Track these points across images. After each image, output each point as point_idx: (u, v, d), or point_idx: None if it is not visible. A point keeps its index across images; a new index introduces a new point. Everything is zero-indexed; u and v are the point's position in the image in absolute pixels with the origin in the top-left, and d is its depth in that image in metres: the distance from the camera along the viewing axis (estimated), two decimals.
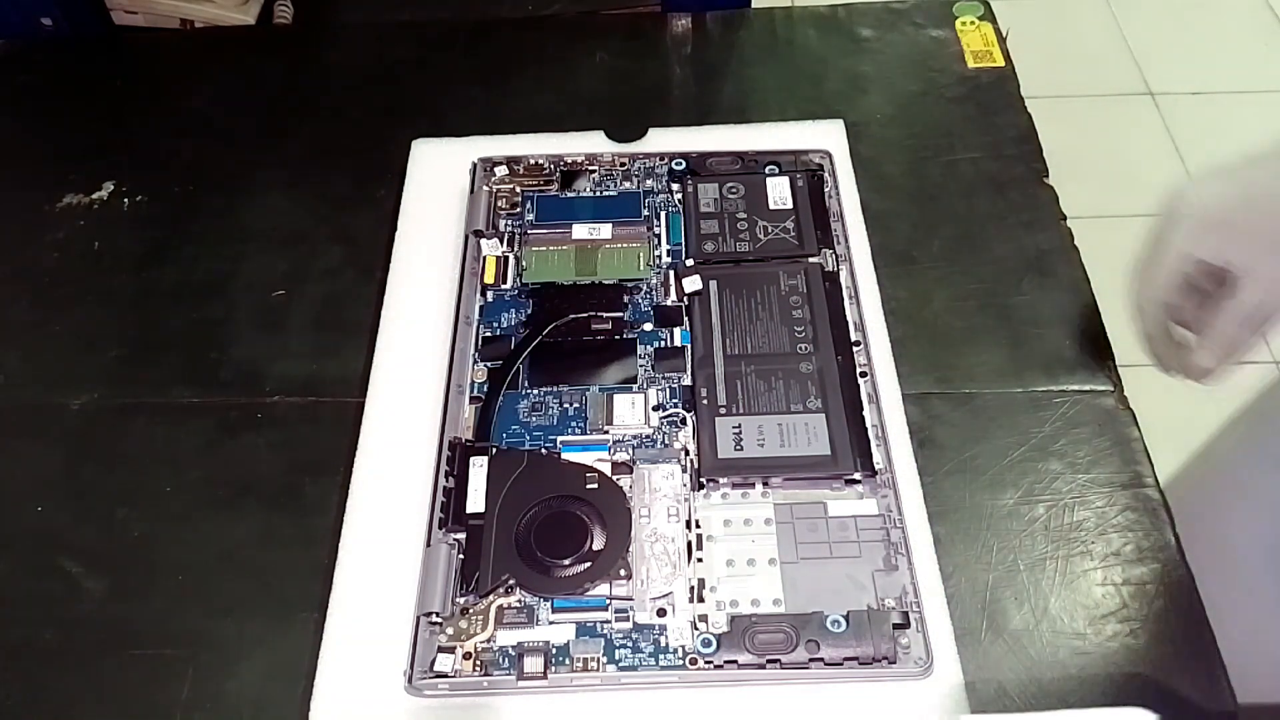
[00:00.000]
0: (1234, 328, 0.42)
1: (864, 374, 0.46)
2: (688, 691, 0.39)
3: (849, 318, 0.48)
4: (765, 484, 0.43)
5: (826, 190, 0.53)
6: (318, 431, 0.48)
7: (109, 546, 0.45)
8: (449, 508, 0.42)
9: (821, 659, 0.38)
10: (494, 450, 0.44)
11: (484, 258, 0.51)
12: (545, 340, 0.48)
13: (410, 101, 0.62)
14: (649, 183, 0.54)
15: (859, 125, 0.58)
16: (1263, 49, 1.49)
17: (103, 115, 0.63)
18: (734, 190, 0.53)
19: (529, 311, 0.49)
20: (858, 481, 0.43)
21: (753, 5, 0.69)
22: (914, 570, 0.40)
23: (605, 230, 0.52)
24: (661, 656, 0.39)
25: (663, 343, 0.48)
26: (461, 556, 0.41)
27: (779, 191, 0.53)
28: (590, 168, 0.55)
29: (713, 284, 0.49)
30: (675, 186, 0.54)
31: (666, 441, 0.44)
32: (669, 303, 0.49)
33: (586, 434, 0.45)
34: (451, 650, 0.39)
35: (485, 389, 0.46)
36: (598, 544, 0.41)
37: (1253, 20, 1.53)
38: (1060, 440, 0.46)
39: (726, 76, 0.63)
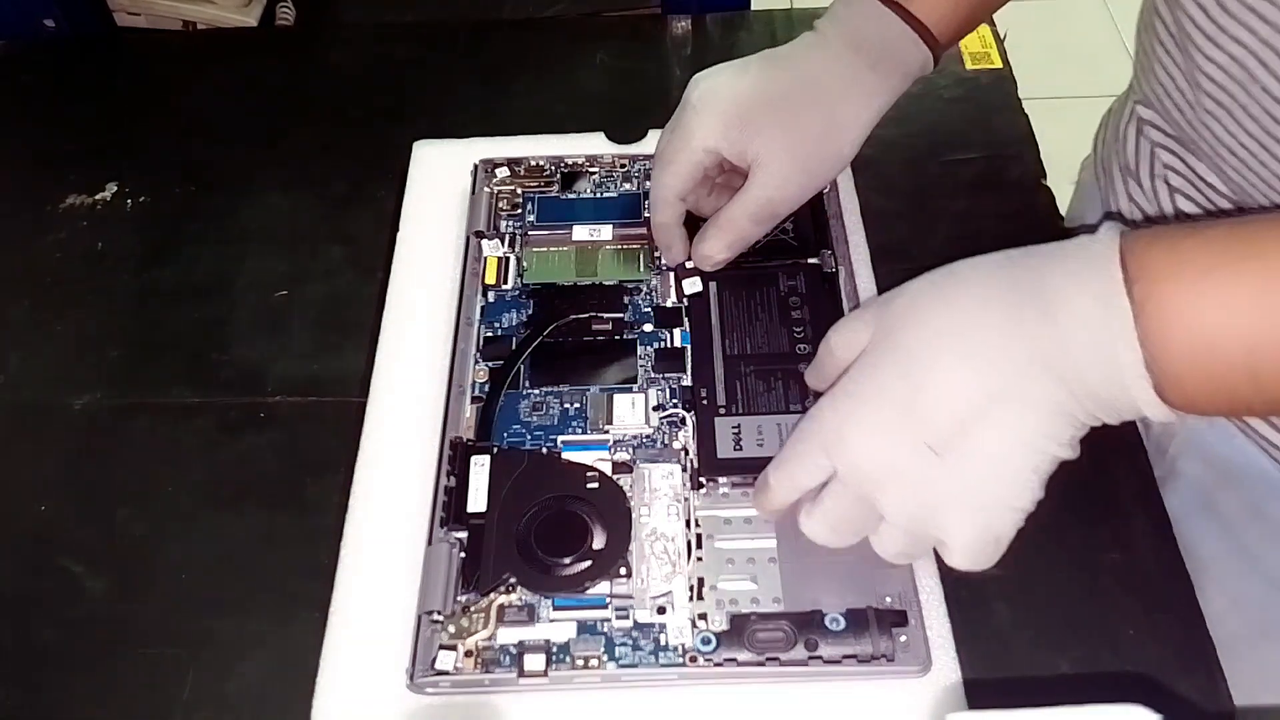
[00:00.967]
0: (744, 220, 0.45)
1: None
2: (687, 689, 0.39)
3: None
4: None
5: (825, 191, 0.53)
6: (319, 431, 0.48)
7: (110, 546, 0.45)
8: (450, 507, 0.42)
9: (820, 657, 0.38)
10: (495, 450, 0.44)
11: (485, 258, 0.51)
12: (546, 340, 0.48)
13: (411, 103, 0.63)
14: (649, 184, 0.54)
15: None
16: None
17: (104, 116, 0.63)
18: None
19: (530, 312, 0.49)
20: None
21: (752, 6, 0.69)
22: (913, 568, 0.40)
23: (605, 231, 0.52)
24: (661, 654, 0.39)
25: (663, 343, 0.48)
26: (463, 555, 0.41)
27: None
28: (591, 169, 0.55)
29: (712, 285, 0.49)
30: None
31: (666, 442, 0.44)
32: (669, 304, 0.49)
33: (587, 434, 0.45)
34: (453, 648, 0.39)
35: (486, 389, 0.46)
36: (598, 543, 0.41)
37: None
38: None
39: None
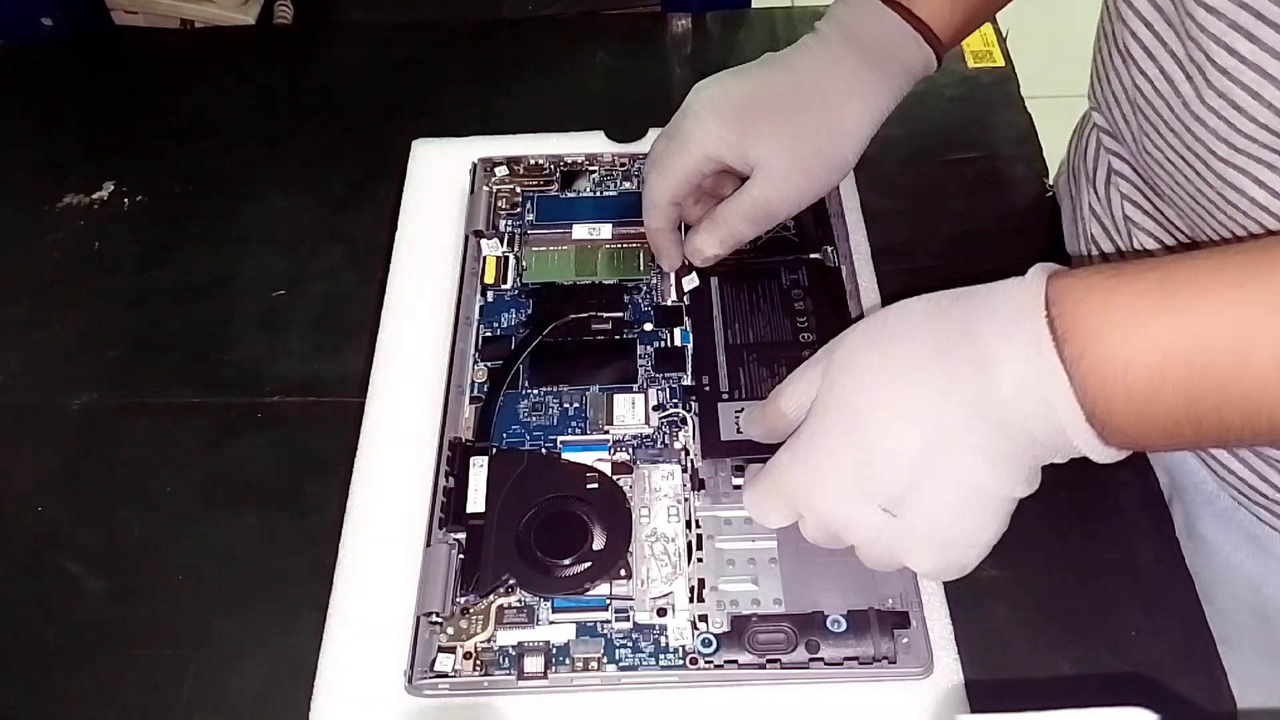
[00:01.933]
0: (739, 218, 0.45)
1: None
2: (688, 691, 0.39)
3: (851, 310, 0.48)
4: None
5: None
6: (318, 431, 0.48)
7: (109, 546, 0.45)
8: (449, 507, 0.42)
9: (821, 659, 0.38)
10: (494, 450, 0.44)
11: (484, 258, 0.51)
12: (545, 340, 0.48)
13: (410, 102, 0.62)
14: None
15: None
16: None
17: (103, 116, 0.63)
18: None
19: (529, 311, 0.49)
20: None
21: (753, 5, 0.69)
22: None
23: (605, 230, 0.52)
24: (662, 656, 0.39)
25: (663, 343, 0.48)
26: (462, 556, 0.41)
27: None
28: (590, 168, 0.55)
29: (713, 279, 0.49)
30: None
31: (666, 442, 0.44)
32: (669, 302, 0.49)
33: (586, 434, 0.45)
34: (452, 650, 0.39)
35: (485, 389, 0.46)
36: (598, 544, 0.41)
37: None
38: None
39: None
